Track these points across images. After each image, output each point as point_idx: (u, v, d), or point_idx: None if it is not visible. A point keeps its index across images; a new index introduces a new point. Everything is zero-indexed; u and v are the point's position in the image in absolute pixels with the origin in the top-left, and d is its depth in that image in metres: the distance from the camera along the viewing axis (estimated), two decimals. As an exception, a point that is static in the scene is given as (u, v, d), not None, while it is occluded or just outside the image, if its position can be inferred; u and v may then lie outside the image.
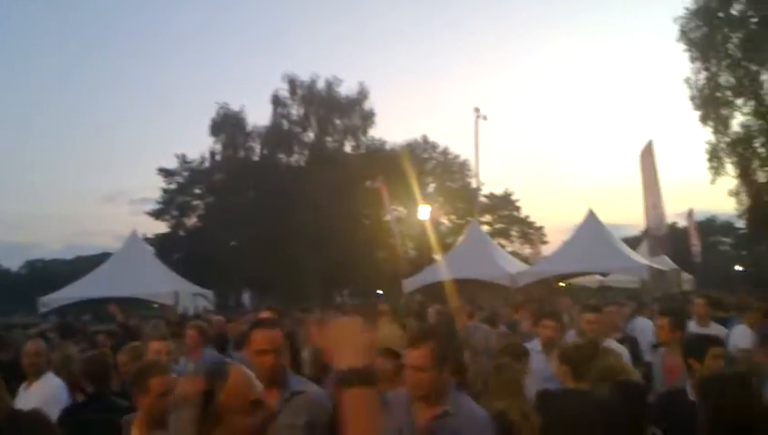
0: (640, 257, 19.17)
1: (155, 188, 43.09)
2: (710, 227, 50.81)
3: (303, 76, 39.81)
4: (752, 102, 26.65)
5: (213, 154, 40.61)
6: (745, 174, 26.78)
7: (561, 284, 21.17)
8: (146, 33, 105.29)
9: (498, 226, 47.67)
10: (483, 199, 42.75)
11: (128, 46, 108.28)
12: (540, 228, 45.29)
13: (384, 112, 69.38)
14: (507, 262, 21.81)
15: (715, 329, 6.41)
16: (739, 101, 26.96)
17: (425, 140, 45.54)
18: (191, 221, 43.55)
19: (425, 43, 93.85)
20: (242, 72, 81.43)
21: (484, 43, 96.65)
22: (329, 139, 40.44)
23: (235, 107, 40.15)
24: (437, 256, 23.92)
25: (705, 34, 26.73)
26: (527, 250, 43.10)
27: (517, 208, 48.42)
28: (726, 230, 53.13)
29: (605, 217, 21.07)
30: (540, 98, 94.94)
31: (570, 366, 3.69)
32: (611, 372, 3.91)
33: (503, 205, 48.03)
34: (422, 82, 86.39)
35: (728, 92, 26.96)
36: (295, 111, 40.13)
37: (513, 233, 48.32)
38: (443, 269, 18.72)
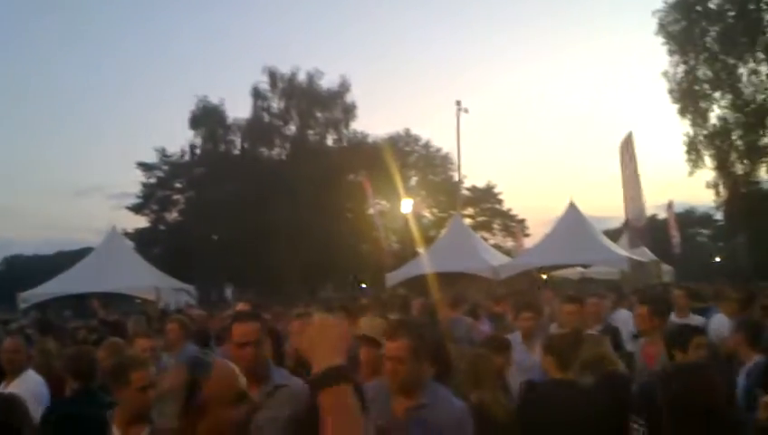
0: (621, 249, 19.39)
1: (134, 182, 42.49)
2: (689, 219, 51.22)
3: (284, 69, 39.39)
4: (729, 96, 27.03)
5: (193, 148, 40.12)
6: (723, 166, 27.17)
7: (543, 276, 21.35)
8: (123, 25, 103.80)
9: (480, 218, 47.76)
10: (465, 192, 42.82)
11: (105, 39, 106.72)
12: (522, 221, 45.40)
13: (366, 105, 69.35)
14: (490, 255, 21.97)
15: (694, 319, 6.52)
16: (717, 95, 27.35)
17: (407, 133, 45.48)
18: (172, 216, 43.00)
19: (406, 36, 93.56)
20: (221, 64, 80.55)
21: (465, 36, 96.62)
22: (310, 132, 40.13)
23: (214, 100, 39.62)
24: (420, 250, 23.99)
25: (683, 28, 27.05)
26: (509, 243, 43.22)
27: (499, 201, 48.56)
28: (705, 222, 53.60)
29: (586, 209, 21.24)
30: (521, 91, 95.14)
31: (554, 356, 3.72)
32: (596, 362, 3.96)
33: (485, 198, 48.12)
34: (404, 75, 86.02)
35: (706, 86, 27.32)
36: (276, 104, 39.72)
37: (496, 226, 48.45)
38: (426, 262, 18.80)
